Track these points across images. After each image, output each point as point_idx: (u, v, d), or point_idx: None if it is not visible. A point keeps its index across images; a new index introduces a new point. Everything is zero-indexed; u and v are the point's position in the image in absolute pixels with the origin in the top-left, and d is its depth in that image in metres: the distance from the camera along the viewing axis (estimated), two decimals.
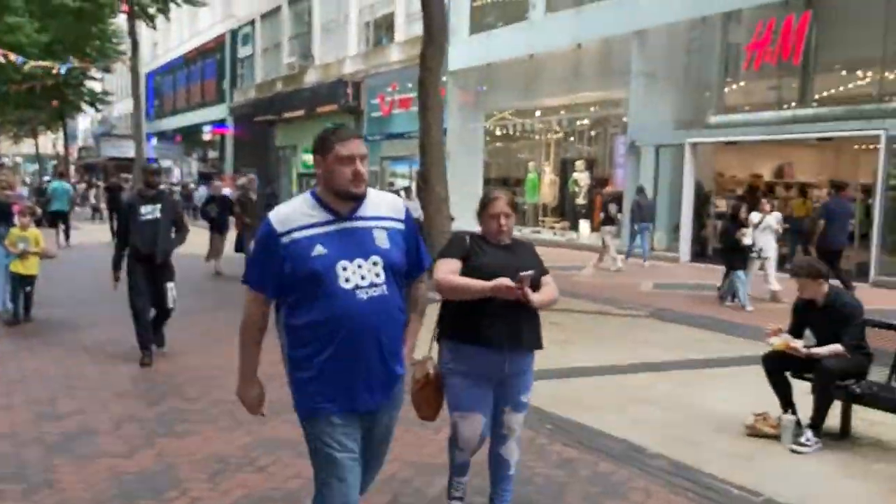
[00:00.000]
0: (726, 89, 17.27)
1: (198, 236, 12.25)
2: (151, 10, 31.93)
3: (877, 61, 13.97)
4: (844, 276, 12.05)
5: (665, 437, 5.37)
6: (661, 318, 10.56)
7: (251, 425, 5.33)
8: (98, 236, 21.96)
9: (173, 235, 7.33)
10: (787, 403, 5.44)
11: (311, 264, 2.71)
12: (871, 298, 11.38)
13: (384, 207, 2.94)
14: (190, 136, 47.83)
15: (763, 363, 5.53)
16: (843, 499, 4.50)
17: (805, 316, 5.49)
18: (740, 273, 11.29)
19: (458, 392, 3.66)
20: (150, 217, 7.09)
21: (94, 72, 40.29)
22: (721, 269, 14.25)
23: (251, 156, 39.09)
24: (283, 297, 2.84)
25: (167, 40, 51.54)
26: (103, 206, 29.87)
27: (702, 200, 17.71)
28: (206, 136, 44.54)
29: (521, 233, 22.75)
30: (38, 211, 10.72)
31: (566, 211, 22.82)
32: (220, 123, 42.62)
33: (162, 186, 7.64)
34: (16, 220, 9.20)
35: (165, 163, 50.80)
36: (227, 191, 32.69)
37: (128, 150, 46.60)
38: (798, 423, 5.32)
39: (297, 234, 2.75)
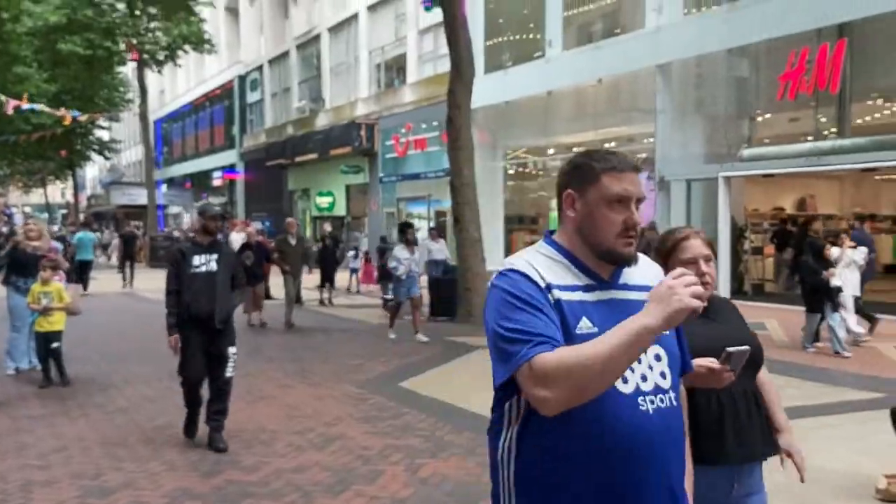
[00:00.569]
0: (759, 120, 16.86)
1: None
2: (160, 57, 31.92)
3: None
4: (865, 309, 11.63)
5: None
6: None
7: (323, 498, 4.78)
8: (113, 284, 21.53)
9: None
10: None
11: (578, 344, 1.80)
12: None
13: (651, 273, 2.06)
14: (199, 181, 47.70)
15: (894, 418, 4.95)
16: None
17: None
18: (836, 316, 10.18)
19: None
20: (203, 269, 5.94)
21: (101, 121, 40.25)
22: (766, 306, 13.71)
23: (263, 200, 38.84)
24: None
25: (174, 87, 51.71)
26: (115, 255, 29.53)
27: (736, 235, 17.21)
28: (217, 182, 44.40)
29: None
30: (65, 264, 10.09)
31: None
32: (230, 169, 42.47)
33: (220, 236, 6.40)
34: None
35: (174, 209, 50.73)
36: (240, 236, 32.54)
37: (137, 197, 46.50)
38: None
39: (560, 294, 1.89)
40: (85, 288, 19.25)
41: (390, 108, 28.54)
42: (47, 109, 27.39)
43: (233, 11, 41.64)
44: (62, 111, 27.47)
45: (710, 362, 2.32)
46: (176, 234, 35.92)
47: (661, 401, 1.90)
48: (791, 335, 12.19)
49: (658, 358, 1.94)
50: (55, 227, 38.67)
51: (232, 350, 6.05)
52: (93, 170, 64.99)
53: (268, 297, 17.32)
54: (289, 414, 6.95)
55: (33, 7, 29.75)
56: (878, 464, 5.16)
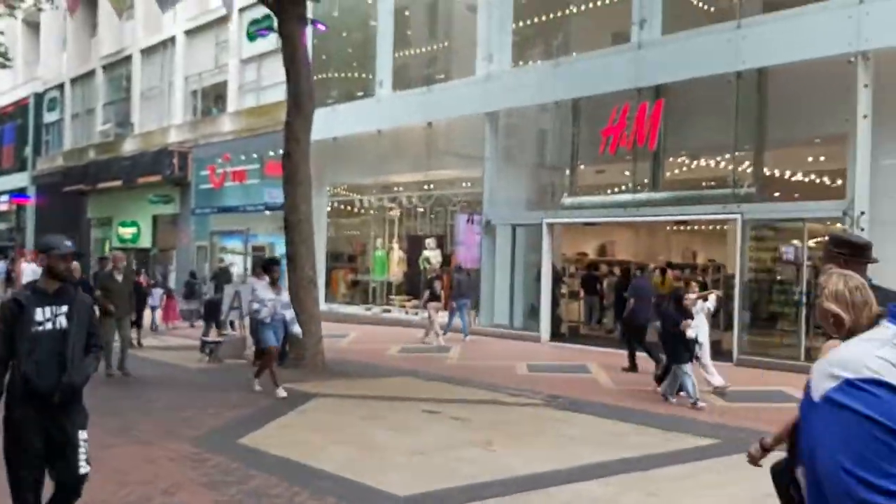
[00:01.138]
0: (581, 170, 17.63)
1: None
2: None
3: (728, 147, 14.70)
4: (653, 350, 12.41)
5: None
6: (563, 406, 10.11)
7: None
8: None
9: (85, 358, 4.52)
10: None
11: None
12: (736, 378, 11.72)
13: None
14: None
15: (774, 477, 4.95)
16: None
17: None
18: (686, 367, 10.14)
19: None
20: (49, 327, 4.35)
21: None
22: (584, 348, 14.14)
23: (57, 228, 35.46)
24: None
25: None
26: None
27: (555, 280, 17.80)
28: (2, 207, 40.34)
29: (371, 312, 21.97)
30: None
31: (414, 289, 22.28)
32: (19, 193, 38.75)
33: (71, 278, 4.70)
34: None
35: None
36: (30, 267, 29.57)
37: None
38: None
39: None
40: None
41: (207, 136, 27.28)
42: None
43: (32, 25, 38.36)
44: None
45: None
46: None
47: None
48: (616, 378, 12.67)
49: None
50: None
51: (83, 435, 4.49)
52: None
53: None
54: (119, 481, 6.11)
55: None
56: None
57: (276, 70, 25.30)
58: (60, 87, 36.98)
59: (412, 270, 22.41)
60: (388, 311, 21.96)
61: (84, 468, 4.46)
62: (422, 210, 22.76)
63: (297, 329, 10.81)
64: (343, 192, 24.04)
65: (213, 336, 14.67)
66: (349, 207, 24.54)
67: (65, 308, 4.41)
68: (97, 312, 11.92)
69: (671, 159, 16.10)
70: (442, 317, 17.54)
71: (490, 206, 18.45)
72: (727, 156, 14.97)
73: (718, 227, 19.58)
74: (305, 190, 12.80)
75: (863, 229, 12.41)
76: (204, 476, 6.29)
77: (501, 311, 18.34)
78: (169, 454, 6.95)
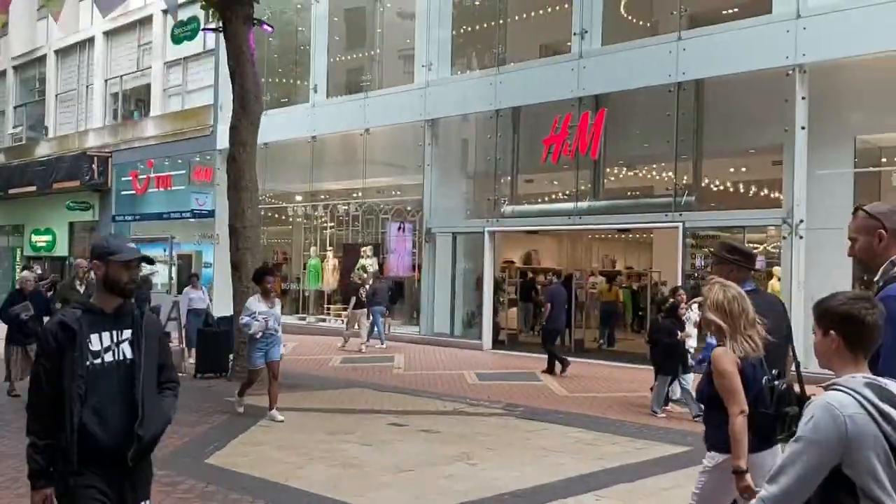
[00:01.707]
0: (521, 179, 17.69)
1: None
2: None
3: (668, 157, 14.99)
4: (559, 354, 13.89)
5: None
6: (525, 416, 10.06)
7: None
8: None
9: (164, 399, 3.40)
10: None
11: None
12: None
13: None
14: None
15: None
16: None
17: None
18: (688, 377, 9.87)
19: None
20: (111, 358, 3.21)
21: None
22: (524, 355, 14.24)
23: None
24: None
25: None
26: None
27: (493, 287, 17.79)
28: None
29: (307, 322, 21.50)
30: None
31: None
32: None
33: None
34: None
35: None
36: None
37: None
38: None
39: None
40: None
41: (129, 141, 26.29)
42: None
43: None
44: None
45: None
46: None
47: None
48: (567, 386, 12.72)
49: None
50: None
51: None
52: None
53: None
54: None
55: None
56: None
57: (202, 73, 24.69)
58: None
59: (347, 279, 22.06)
60: (324, 320, 21.55)
61: None
62: (356, 218, 22.49)
63: (282, 350, 9.70)
64: (273, 199, 23.52)
65: None
66: (278, 215, 24.03)
67: (128, 333, 3.23)
68: None
69: (612, 168, 16.35)
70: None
71: (430, 215, 18.33)
72: (667, 165, 15.26)
73: (643, 235, 20.05)
74: (251, 196, 12.39)
75: (801, 237, 12.83)
76: (181, 501, 5.93)
77: (441, 319, 18.23)
78: None
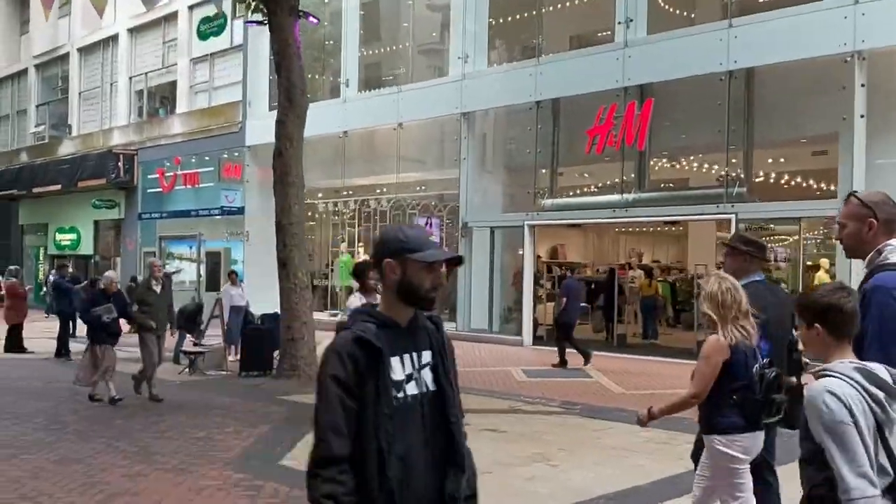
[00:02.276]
0: (562, 171, 17.34)
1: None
2: None
3: (718, 147, 14.62)
4: (580, 346, 13.87)
5: None
6: (585, 414, 9.74)
7: None
8: None
9: None
10: None
11: None
12: None
13: None
14: None
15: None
16: None
17: None
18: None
19: None
20: (414, 391, 2.38)
21: None
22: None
23: None
24: None
25: None
26: None
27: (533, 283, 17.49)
28: None
29: (339, 318, 21.21)
30: None
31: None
32: None
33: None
34: None
35: None
36: None
37: None
38: None
39: None
40: None
41: (155, 138, 26.09)
42: None
43: None
44: None
45: None
46: None
47: None
48: (620, 381, 12.39)
49: None
50: None
51: None
52: None
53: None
54: None
55: None
56: None
57: (229, 69, 24.44)
58: None
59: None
60: None
61: None
62: (385, 214, 22.22)
63: None
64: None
65: (190, 346, 13.80)
66: (309, 212, 23.75)
67: (427, 355, 2.43)
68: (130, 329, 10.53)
69: (657, 159, 15.98)
70: None
71: (466, 209, 18.02)
72: (717, 155, 14.88)
73: (673, 228, 19.68)
74: (298, 191, 12.13)
75: None
76: None
77: (479, 314, 17.92)
78: (214, 482, 6.27)
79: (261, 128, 22.56)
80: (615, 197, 15.64)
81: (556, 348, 14.19)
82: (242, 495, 5.92)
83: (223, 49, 24.32)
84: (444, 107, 18.11)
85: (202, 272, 24.54)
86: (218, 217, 23.82)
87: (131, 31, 27.40)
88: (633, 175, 15.72)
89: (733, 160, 14.48)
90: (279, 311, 12.70)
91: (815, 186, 15.07)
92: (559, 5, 17.76)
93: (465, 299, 18.03)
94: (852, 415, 2.31)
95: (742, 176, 14.51)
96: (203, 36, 24.92)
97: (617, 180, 15.97)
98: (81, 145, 29.07)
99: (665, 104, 15.11)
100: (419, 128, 19.35)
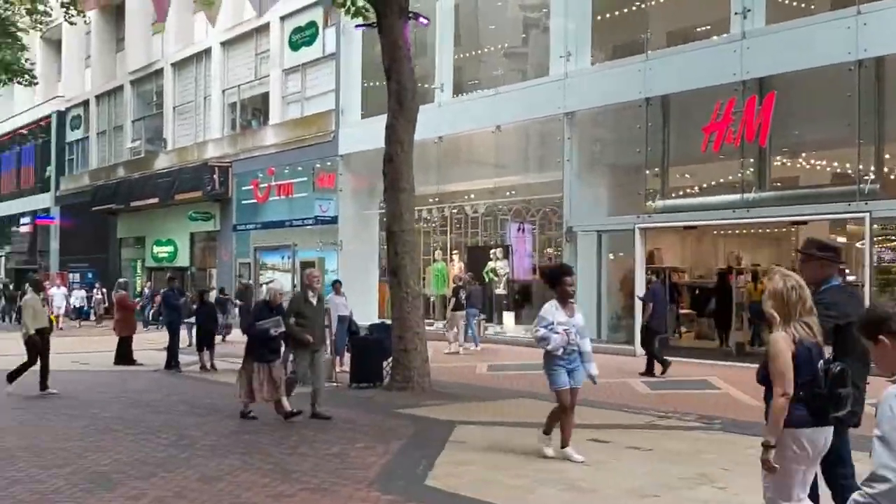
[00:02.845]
0: (674, 171, 16.58)
1: None
2: None
3: (846, 142, 13.68)
4: (660, 355, 13.48)
5: None
6: (728, 429, 9.06)
7: None
8: None
9: None
10: None
11: None
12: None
13: None
14: (0, 229, 42.25)
15: None
16: None
17: None
18: None
19: None
20: None
21: None
22: (677, 360, 13.18)
23: (83, 249, 34.75)
24: None
25: None
26: None
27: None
28: (24, 229, 39.33)
29: (434, 327, 20.87)
30: None
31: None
32: (43, 214, 37.76)
33: None
34: None
35: None
36: (61, 292, 28.52)
37: None
38: None
39: None
40: None
41: (248, 150, 26.32)
42: None
43: (51, 42, 37.48)
44: None
45: None
46: None
47: None
48: (751, 393, 11.61)
49: None
50: None
51: None
52: None
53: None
54: None
55: None
56: None
57: (320, 79, 24.46)
58: (84, 104, 36.08)
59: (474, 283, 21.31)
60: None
61: None
62: (476, 221, 21.81)
63: (594, 370, 7.44)
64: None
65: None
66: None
67: None
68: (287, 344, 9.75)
69: (779, 155, 15.08)
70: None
71: (570, 213, 17.42)
72: (846, 150, 13.91)
73: (776, 230, 18.54)
74: (409, 197, 11.78)
75: None
76: None
77: (586, 323, 17.18)
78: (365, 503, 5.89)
79: (354, 136, 22.52)
80: (734, 197, 14.80)
81: (670, 358, 13.60)
82: None
83: (315, 59, 24.38)
84: (546, 107, 17.58)
85: (296, 282, 24.59)
86: (311, 227, 23.83)
87: (224, 44, 27.75)
88: (752, 173, 14.86)
89: (865, 155, 13.51)
90: (386, 321, 12.41)
91: None
92: None
93: None
94: None
95: (874, 172, 13.53)
96: (295, 46, 25.06)
97: (731, 178, 15.14)
98: (176, 159, 29.60)
99: (785, 97, 14.24)
100: (518, 130, 18.86)
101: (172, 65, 30.31)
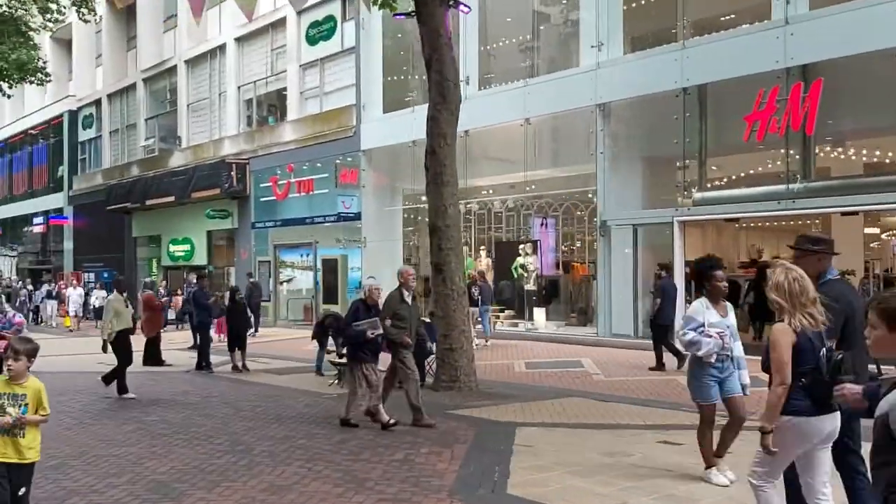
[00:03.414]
0: (713, 162, 16.18)
1: None
2: None
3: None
4: (675, 349, 12.94)
5: None
6: None
7: None
8: None
9: None
10: None
11: None
12: None
13: None
14: (11, 229, 42.00)
15: None
16: None
17: None
18: None
19: None
20: None
21: None
22: None
23: (97, 249, 34.45)
24: None
25: None
26: None
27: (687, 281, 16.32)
28: (37, 229, 39.09)
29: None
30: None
31: (507, 298, 20.82)
32: (56, 214, 37.49)
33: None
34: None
35: None
36: (77, 292, 28.16)
37: None
38: None
39: None
40: None
41: (266, 147, 25.94)
42: None
43: (62, 42, 37.17)
44: None
45: None
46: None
47: None
48: None
49: None
50: None
51: None
52: None
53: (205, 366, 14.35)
54: None
55: None
56: None
57: (340, 73, 24.06)
58: (96, 103, 35.76)
59: (501, 279, 20.96)
60: (479, 322, 20.51)
61: None
62: (500, 216, 21.45)
63: (746, 378, 6.39)
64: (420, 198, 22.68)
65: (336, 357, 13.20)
66: (412, 216, 23.23)
67: None
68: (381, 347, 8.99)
69: (824, 145, 14.66)
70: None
71: (604, 206, 17.03)
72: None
73: (800, 222, 18.11)
74: (453, 191, 11.39)
75: None
76: None
77: (620, 319, 16.89)
78: None
79: (376, 131, 22.15)
80: (779, 188, 14.39)
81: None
82: None
83: (333, 53, 24.00)
84: (578, 99, 17.18)
85: (318, 280, 24.23)
86: (332, 224, 23.46)
87: (238, 40, 27.38)
88: (797, 162, 14.45)
89: None
90: (425, 318, 12.04)
91: None
92: None
93: (605, 303, 17.04)
94: None
95: None
96: (312, 41, 24.67)
97: (774, 168, 14.72)
98: (191, 156, 29.25)
99: (832, 84, 13.82)
100: (548, 122, 18.47)
101: (186, 62, 29.94)
